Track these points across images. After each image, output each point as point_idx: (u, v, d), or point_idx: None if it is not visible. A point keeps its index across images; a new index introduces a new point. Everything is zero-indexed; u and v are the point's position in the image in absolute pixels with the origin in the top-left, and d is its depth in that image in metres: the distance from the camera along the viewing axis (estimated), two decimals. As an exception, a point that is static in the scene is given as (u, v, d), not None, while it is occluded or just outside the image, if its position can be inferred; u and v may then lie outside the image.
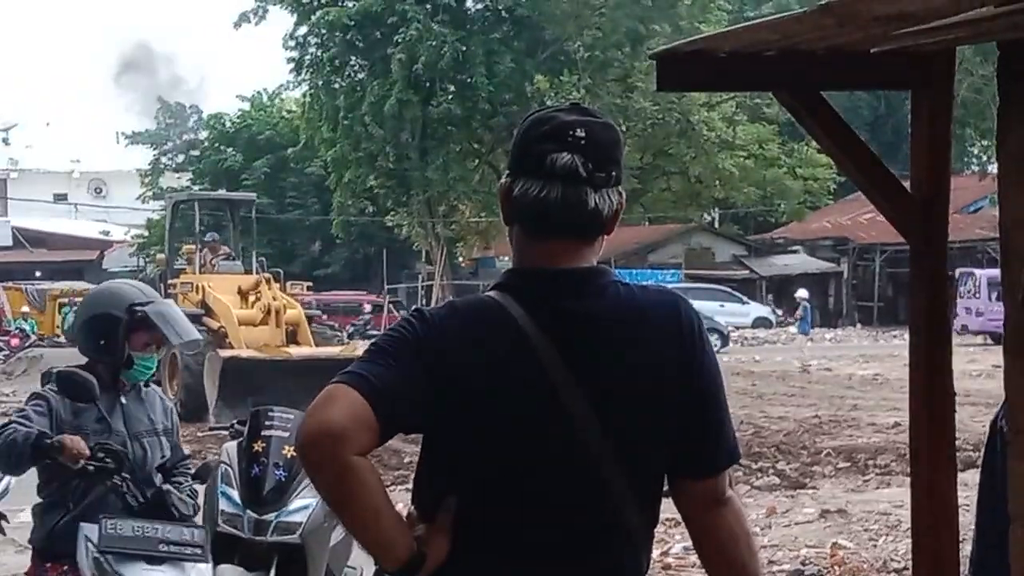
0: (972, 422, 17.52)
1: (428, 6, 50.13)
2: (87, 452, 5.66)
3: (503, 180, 3.13)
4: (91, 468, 5.72)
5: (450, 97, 51.11)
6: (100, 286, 6.70)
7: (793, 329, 51.02)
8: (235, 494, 6.93)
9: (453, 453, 3.04)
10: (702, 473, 3.16)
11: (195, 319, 19.80)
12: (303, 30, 53.72)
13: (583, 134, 3.02)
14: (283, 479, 6.95)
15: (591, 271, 3.10)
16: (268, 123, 66.95)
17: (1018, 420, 3.15)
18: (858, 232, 58.31)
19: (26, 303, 51.01)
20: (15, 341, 43.20)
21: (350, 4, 51.30)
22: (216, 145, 67.99)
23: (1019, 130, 3.12)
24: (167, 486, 6.06)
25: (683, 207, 58.07)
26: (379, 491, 2.91)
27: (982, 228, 48.63)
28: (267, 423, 7.12)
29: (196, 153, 70.07)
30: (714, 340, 42.59)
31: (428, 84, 50.72)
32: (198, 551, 5.96)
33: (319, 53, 53.27)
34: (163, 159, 72.11)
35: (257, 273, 26.05)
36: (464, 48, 49.34)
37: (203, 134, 73.32)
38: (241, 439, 7.17)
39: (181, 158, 71.97)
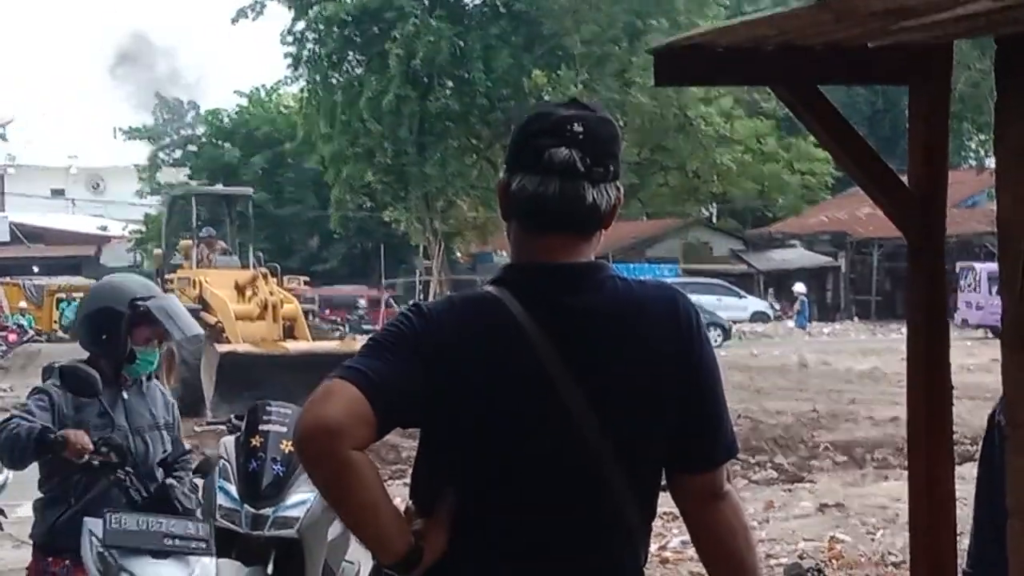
0: (970, 416, 17.51)
1: (425, 2, 50.09)
2: (91, 447, 5.66)
3: (501, 175, 3.14)
4: (95, 463, 5.72)
5: (448, 93, 51.04)
6: (102, 280, 6.71)
7: (791, 323, 51.10)
8: (233, 489, 6.93)
9: (451, 448, 3.04)
10: (700, 467, 3.16)
11: (192, 314, 19.79)
12: (301, 25, 53.61)
13: (581, 129, 3.02)
14: (281, 474, 6.96)
15: (589, 266, 3.10)
16: (266, 118, 66.91)
17: (1016, 414, 3.15)
18: (856, 227, 58.31)
19: (23, 298, 51.02)
20: (12, 336, 43.18)
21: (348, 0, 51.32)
22: (214, 140, 67.96)
23: (1017, 124, 3.12)
24: (170, 480, 6.06)
25: (681, 202, 58.09)
26: (377, 486, 2.91)
27: (979, 222, 48.62)
28: (265, 418, 7.12)
29: (194, 148, 70.00)
30: (716, 334, 42.73)
31: (426, 80, 50.66)
32: (203, 545, 5.97)
33: (317, 48, 53.19)
34: (161, 154, 71.99)
35: (254, 268, 26.05)
36: (462, 44, 49.30)
37: (201, 129, 73.24)
38: (239, 434, 7.17)
39: (179, 153, 71.88)
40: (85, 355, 6.10)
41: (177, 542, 5.88)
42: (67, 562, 5.86)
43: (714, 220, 64.54)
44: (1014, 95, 3.12)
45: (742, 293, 54.34)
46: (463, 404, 2.99)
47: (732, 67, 4.11)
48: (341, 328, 33.13)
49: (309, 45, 53.60)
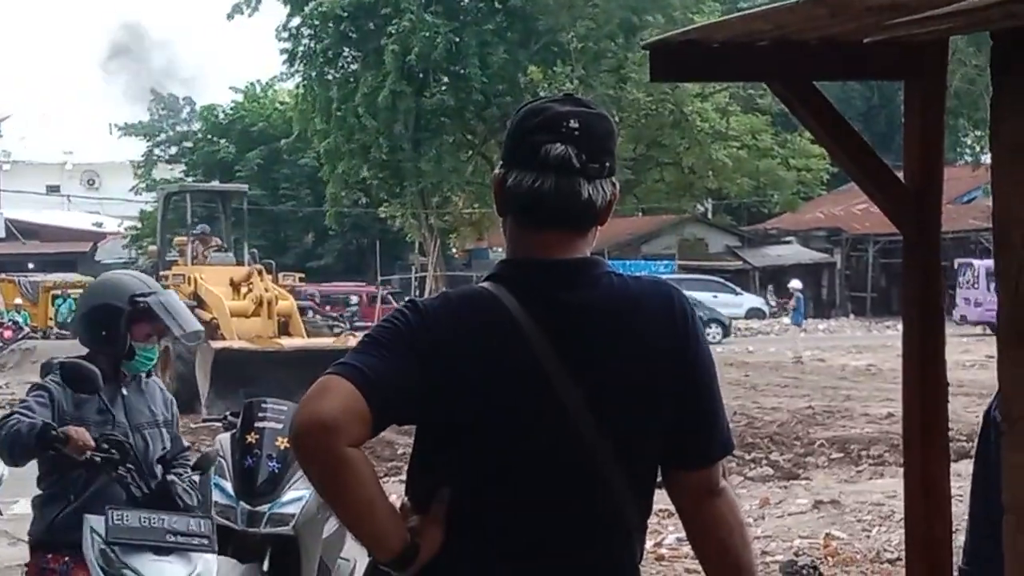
0: (965, 412, 17.55)
1: (421, -3, 50.13)
2: (92, 443, 5.65)
3: (497, 171, 3.13)
4: (98, 459, 5.71)
5: (443, 88, 51.10)
6: (102, 277, 6.69)
7: (786, 320, 51.06)
8: (228, 486, 6.94)
9: (447, 445, 3.04)
10: (696, 464, 3.16)
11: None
12: (296, 21, 53.67)
13: (577, 125, 3.02)
14: (276, 471, 6.96)
15: (584, 262, 3.10)
16: (261, 114, 66.86)
17: (1012, 410, 3.15)
18: (851, 223, 58.35)
19: (19, 295, 50.98)
20: (8, 333, 43.20)
21: (343, -5, 51.26)
22: (209, 137, 67.92)
23: (1012, 121, 3.11)
24: (171, 477, 6.05)
25: (676, 198, 58.06)
26: (372, 482, 2.91)
27: (975, 219, 48.66)
28: (260, 415, 7.12)
29: (189, 145, 69.96)
30: (716, 331, 42.81)
31: (421, 75, 50.68)
32: (205, 541, 5.95)
33: (312, 44, 53.22)
34: (156, 151, 71.94)
35: (249, 264, 26.05)
36: (457, 39, 49.31)
37: (196, 125, 73.16)
38: (234, 431, 7.17)
39: (174, 150, 71.83)
40: (82, 351, 6.09)
41: (179, 539, 5.86)
42: (66, 559, 5.84)
43: (710, 216, 64.53)
44: (1010, 91, 3.12)
45: (738, 290, 54.37)
46: (459, 401, 2.98)
47: (727, 63, 4.11)
48: (341, 325, 33.10)
49: (305, 41, 53.65)
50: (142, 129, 73.70)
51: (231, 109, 68.47)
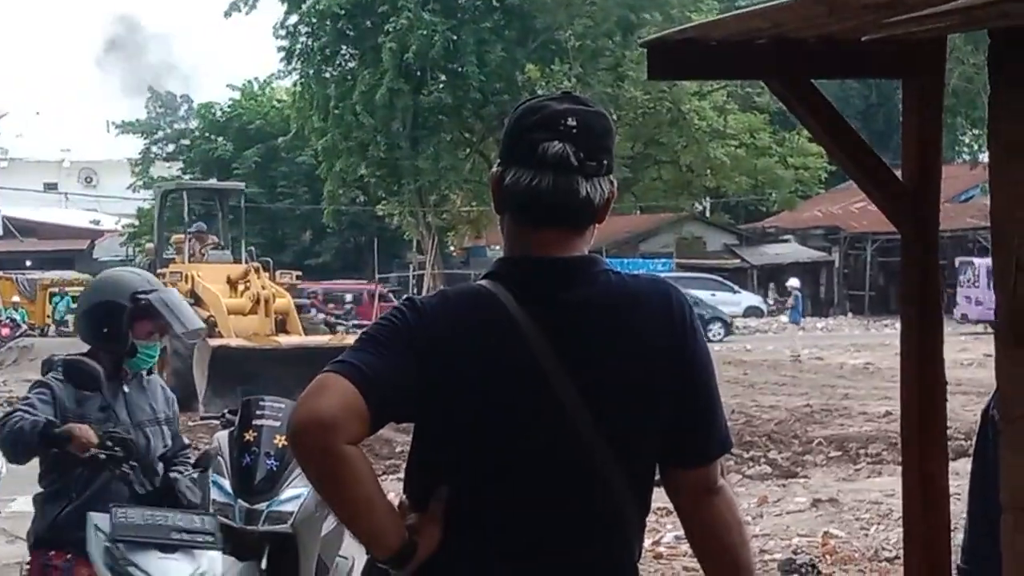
0: (964, 411, 17.55)
1: (419, -5, 50.12)
2: (96, 440, 5.65)
3: (494, 169, 3.13)
4: (102, 457, 5.70)
5: (441, 86, 51.13)
6: (103, 274, 6.69)
7: (784, 318, 51.07)
8: (226, 483, 6.93)
9: (444, 442, 3.03)
10: (694, 462, 3.15)
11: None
12: (294, 19, 53.69)
13: (574, 123, 3.02)
14: (274, 468, 6.95)
15: (582, 260, 3.10)
16: (259, 112, 66.85)
17: (1010, 409, 3.15)
18: (849, 221, 58.35)
19: (16, 293, 50.98)
20: (5, 331, 43.23)
21: (340, -8, 51.25)
22: (207, 134, 67.90)
23: (1010, 119, 3.11)
24: (174, 474, 6.05)
25: (674, 196, 58.11)
26: (370, 480, 2.91)
27: (973, 217, 48.66)
28: (258, 412, 7.11)
29: (187, 142, 69.95)
30: (718, 329, 42.81)
31: (419, 73, 50.69)
32: (210, 539, 5.95)
33: (310, 42, 53.23)
34: (154, 148, 71.91)
35: (246, 262, 26.06)
36: (455, 37, 49.32)
37: (194, 123, 73.17)
38: (232, 428, 7.17)
39: (172, 147, 71.81)
40: (81, 349, 6.09)
41: (184, 536, 5.86)
42: (69, 556, 5.84)
43: (708, 214, 64.54)
44: (1007, 90, 3.12)
45: (736, 288, 54.36)
46: (457, 398, 2.98)
47: (725, 61, 4.11)
48: (344, 323, 33.21)
49: (302, 39, 53.65)
50: (140, 127, 73.68)
51: (229, 107, 68.46)
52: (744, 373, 29.02)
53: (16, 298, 50.01)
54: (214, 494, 6.82)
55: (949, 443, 4.55)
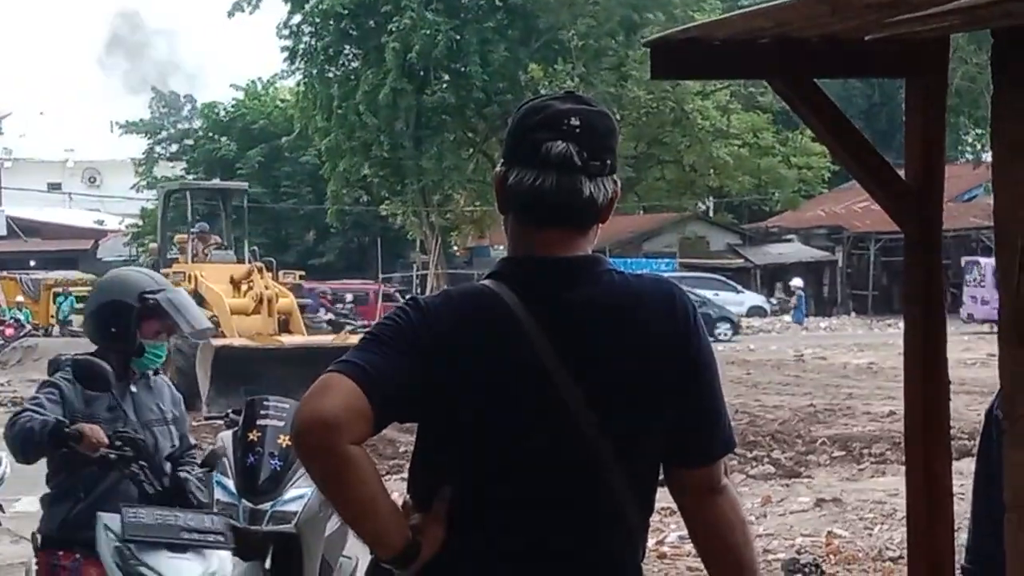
0: (967, 410, 17.54)
1: (422, -5, 50.14)
2: (106, 440, 5.64)
3: (498, 169, 3.13)
4: (113, 456, 5.70)
5: (444, 86, 51.15)
6: (110, 273, 6.68)
7: (788, 318, 51.10)
8: (230, 483, 6.92)
9: (448, 442, 3.04)
10: (697, 462, 3.15)
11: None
12: (297, 19, 53.75)
13: (578, 122, 3.01)
14: (278, 468, 6.95)
15: (586, 260, 3.10)
16: (262, 112, 66.88)
17: (1013, 408, 3.15)
18: (853, 221, 58.31)
19: (20, 293, 50.93)
20: (9, 331, 43.18)
21: (344, -8, 51.27)
22: (210, 134, 67.93)
23: (1013, 119, 3.11)
24: (184, 473, 6.04)
25: (678, 196, 58.10)
26: (374, 480, 2.91)
27: (976, 216, 48.67)
28: (262, 412, 7.11)
29: (190, 142, 70.00)
30: (725, 329, 42.82)
31: (422, 73, 50.71)
32: (220, 538, 5.94)
33: (313, 42, 53.28)
34: (157, 148, 71.99)
35: (249, 262, 26.07)
36: (458, 37, 49.35)
37: (197, 123, 73.22)
38: (236, 428, 7.16)
39: (175, 147, 71.88)
40: (83, 348, 6.08)
41: (195, 536, 5.85)
42: (77, 556, 5.83)
43: (711, 214, 64.52)
44: (1010, 89, 3.11)
45: (739, 288, 54.33)
46: (461, 399, 2.98)
47: (728, 60, 4.11)
48: (352, 322, 33.27)
49: (305, 39, 53.72)
50: (143, 127, 73.76)
51: (232, 107, 68.50)
52: (748, 373, 29.00)
53: (20, 298, 49.97)
54: (218, 494, 6.82)
55: (953, 443, 4.55)
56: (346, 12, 51.18)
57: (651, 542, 9.35)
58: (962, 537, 3.96)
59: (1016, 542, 3.15)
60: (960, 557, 3.98)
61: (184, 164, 67.93)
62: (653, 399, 3.06)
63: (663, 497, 3.21)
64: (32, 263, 61.65)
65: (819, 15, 3.46)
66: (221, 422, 7.76)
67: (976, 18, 2.84)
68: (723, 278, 54.26)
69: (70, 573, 5.85)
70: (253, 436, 7.00)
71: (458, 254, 62.60)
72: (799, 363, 32.03)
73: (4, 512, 8.45)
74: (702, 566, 3.31)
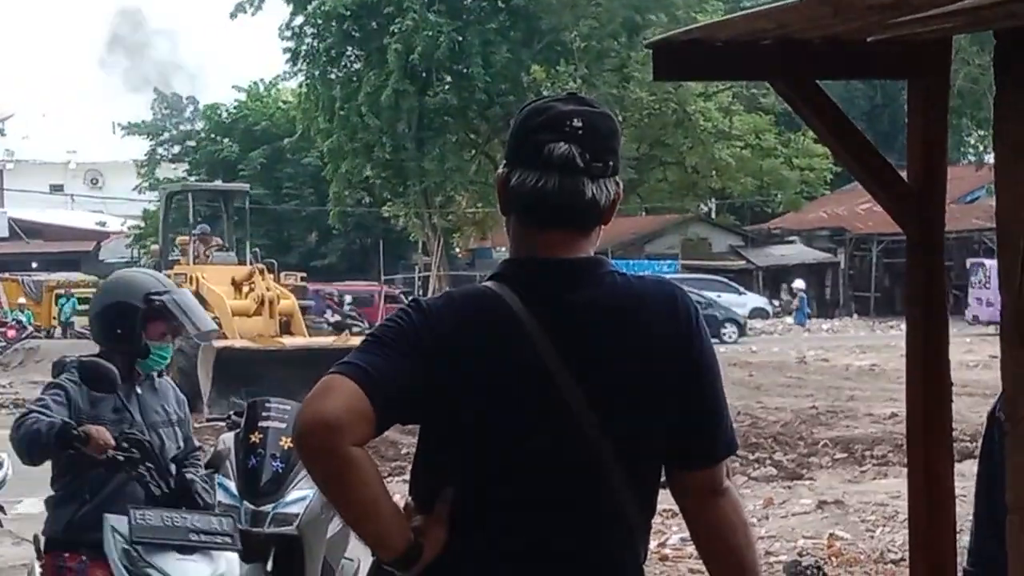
0: (969, 413, 17.53)
1: (424, -4, 50.14)
2: (113, 442, 5.64)
3: (500, 170, 3.13)
4: (121, 458, 5.69)
5: (446, 87, 51.10)
6: (116, 274, 6.68)
7: (790, 319, 51.10)
8: (232, 485, 6.94)
9: (450, 443, 3.04)
10: (699, 464, 3.15)
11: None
12: (299, 20, 53.68)
13: (580, 124, 3.01)
14: (280, 470, 6.96)
15: (588, 261, 3.09)
16: (264, 114, 66.85)
17: (1015, 410, 3.14)
18: (855, 222, 58.29)
19: (22, 294, 50.95)
20: (11, 332, 43.18)
21: (346, -6, 51.27)
22: (212, 136, 67.91)
23: (1015, 120, 3.11)
24: (190, 475, 6.04)
25: (680, 197, 58.07)
26: (376, 482, 2.91)
27: (978, 218, 48.67)
28: (264, 414, 7.12)
29: (192, 144, 69.93)
30: (731, 330, 42.79)
31: (424, 74, 50.69)
32: (228, 540, 5.93)
33: (315, 43, 53.24)
34: (159, 150, 71.93)
35: (251, 264, 26.09)
36: (460, 38, 49.31)
37: (199, 125, 73.20)
38: (238, 430, 7.17)
39: (177, 149, 71.80)
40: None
41: (203, 537, 5.85)
42: (83, 557, 5.83)
43: (713, 216, 64.50)
44: (1013, 91, 3.11)
45: (741, 289, 54.32)
46: (463, 400, 2.98)
47: (731, 62, 4.11)
48: (360, 324, 33.32)
49: (308, 40, 53.69)
50: (145, 128, 73.71)
51: (234, 108, 68.47)
52: (750, 375, 28.99)
53: (22, 300, 49.99)
54: (219, 496, 6.82)
55: (954, 445, 4.55)
56: (348, 14, 51.15)
57: (653, 544, 9.35)
58: (964, 539, 3.96)
59: (1018, 544, 3.15)
60: (962, 559, 3.98)
61: (186, 165, 67.90)
62: (655, 401, 3.06)
63: (665, 499, 3.21)
64: (34, 264, 61.68)
65: (821, 17, 3.47)
66: (223, 424, 7.77)
67: (979, 19, 2.84)
68: (725, 280, 54.24)
69: (76, 575, 5.85)
70: (255, 438, 7.01)
71: (460, 256, 62.59)
72: (801, 365, 32.01)
73: (5, 514, 8.44)
74: (704, 568, 3.31)
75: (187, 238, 27.62)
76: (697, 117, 50.20)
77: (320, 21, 52.34)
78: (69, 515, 5.84)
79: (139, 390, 6.01)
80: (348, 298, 50.35)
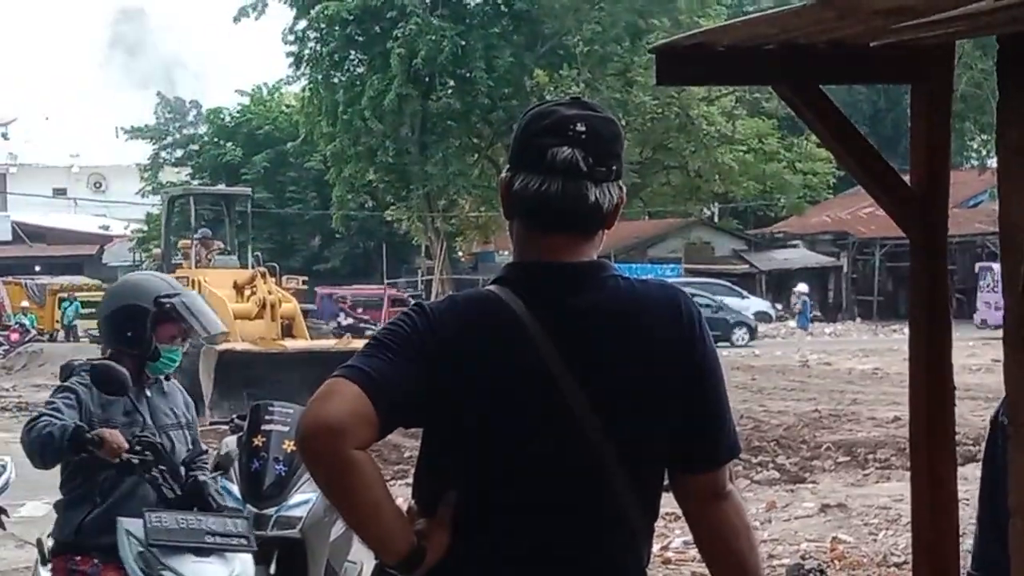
0: (972, 416, 17.53)
1: (427, 0, 50.14)
2: (126, 445, 5.64)
3: (503, 174, 3.13)
4: (135, 461, 5.69)
5: (449, 92, 51.14)
6: (124, 278, 6.69)
7: (793, 323, 51.09)
8: (235, 488, 6.94)
9: (453, 447, 3.04)
10: (702, 467, 3.15)
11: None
12: (302, 24, 53.72)
13: (583, 128, 3.02)
14: (283, 473, 6.96)
15: (591, 265, 3.10)
16: (267, 118, 66.89)
17: (1018, 414, 3.14)
18: (858, 226, 58.30)
19: (26, 298, 51.02)
20: (15, 336, 43.22)
21: (350, -2, 51.31)
22: (215, 140, 67.93)
23: (1018, 124, 3.11)
24: (203, 477, 6.04)
25: (683, 201, 58.08)
26: (379, 485, 2.91)
27: (981, 223, 48.62)
28: (267, 417, 7.12)
29: (195, 148, 69.97)
30: (742, 334, 42.83)
31: (427, 78, 50.72)
32: (244, 541, 5.93)
33: (318, 47, 53.27)
34: (163, 154, 71.97)
35: (253, 267, 26.11)
36: (463, 42, 49.35)
37: (202, 128, 73.22)
38: (241, 433, 7.18)
39: (180, 152, 71.84)
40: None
41: (218, 539, 5.85)
42: (95, 561, 5.82)
43: (716, 220, 64.49)
44: (1016, 95, 3.12)
45: (744, 293, 54.31)
46: (466, 404, 2.99)
47: (734, 66, 4.11)
48: (372, 327, 33.39)
49: (311, 44, 53.72)
50: (148, 132, 73.74)
51: (237, 112, 68.52)
52: (752, 378, 28.98)
53: (25, 303, 50.07)
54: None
55: (958, 448, 4.55)
56: (351, 18, 51.17)
57: (656, 547, 9.35)
58: (967, 543, 3.96)
59: (1021, 548, 3.15)
60: (965, 563, 3.97)
61: (189, 169, 67.94)
62: (658, 404, 3.06)
63: (668, 502, 3.21)
64: (37, 268, 61.78)
65: (825, 21, 3.47)
66: (225, 427, 7.77)
67: (982, 24, 2.84)
68: (728, 283, 54.21)
69: None
70: (258, 441, 7.02)
71: (463, 259, 62.62)
72: (804, 368, 32.01)
73: (8, 517, 8.45)
74: (707, 571, 3.31)
75: (189, 242, 27.64)
76: (700, 121, 50.21)
77: (323, 25, 52.38)
78: (80, 518, 5.84)
79: (149, 393, 6.01)
80: (348, 300, 50.48)
